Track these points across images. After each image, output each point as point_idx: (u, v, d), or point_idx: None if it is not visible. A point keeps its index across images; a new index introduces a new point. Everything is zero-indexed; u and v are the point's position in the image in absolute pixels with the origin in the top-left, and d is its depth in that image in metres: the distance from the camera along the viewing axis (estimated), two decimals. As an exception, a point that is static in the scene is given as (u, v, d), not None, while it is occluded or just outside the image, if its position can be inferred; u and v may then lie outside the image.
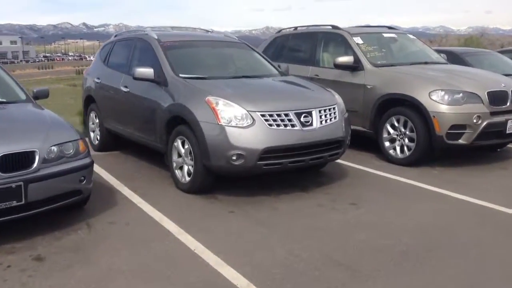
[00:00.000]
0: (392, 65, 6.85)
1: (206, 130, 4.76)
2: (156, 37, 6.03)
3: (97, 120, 7.16)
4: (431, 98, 5.96)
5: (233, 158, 4.65)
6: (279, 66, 6.41)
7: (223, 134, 4.67)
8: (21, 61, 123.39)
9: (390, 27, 8.14)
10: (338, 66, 6.96)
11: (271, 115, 4.75)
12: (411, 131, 6.12)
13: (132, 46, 6.45)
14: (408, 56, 7.42)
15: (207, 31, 7.14)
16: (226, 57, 6.30)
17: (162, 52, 5.76)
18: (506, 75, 7.30)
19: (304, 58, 7.91)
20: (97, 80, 7.02)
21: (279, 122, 4.75)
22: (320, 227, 4.20)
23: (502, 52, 10.31)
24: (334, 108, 5.21)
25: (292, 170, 5.17)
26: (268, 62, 6.43)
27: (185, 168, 5.14)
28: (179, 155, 5.23)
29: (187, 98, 5.08)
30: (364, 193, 5.16)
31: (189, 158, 5.05)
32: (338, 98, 5.49)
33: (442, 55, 7.83)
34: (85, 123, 7.70)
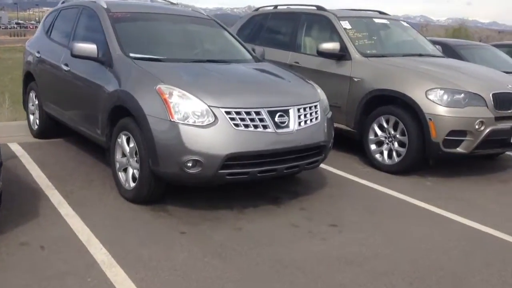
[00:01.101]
0: (383, 56, 5.94)
1: (155, 127, 3.77)
2: (105, 6, 4.95)
3: (37, 102, 6.07)
4: (427, 98, 5.08)
5: (188, 164, 3.69)
6: (253, 50, 5.41)
7: (176, 134, 3.69)
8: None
9: (381, 12, 7.19)
10: (321, 54, 6.01)
11: (238, 113, 3.78)
12: (402, 134, 5.25)
13: (77, 16, 5.36)
14: (401, 46, 6.52)
15: (171, 3, 6.05)
16: (189, 36, 5.27)
17: (109, 25, 4.69)
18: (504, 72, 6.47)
19: (283, 41, 6.93)
20: (37, 55, 5.91)
21: (248, 122, 3.79)
22: (293, 262, 3.28)
23: (497, 46, 9.51)
24: (316, 107, 4.27)
25: (261, 180, 4.23)
26: (241, 44, 5.42)
27: (130, 171, 4.15)
28: (124, 155, 4.23)
29: (134, 85, 4.07)
30: (347, 210, 4.28)
31: (135, 159, 4.06)
32: (321, 93, 4.55)
33: (437, 46, 6.97)
34: (24, 103, 6.57)
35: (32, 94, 6.21)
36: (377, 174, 5.39)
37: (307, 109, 4.16)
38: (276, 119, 3.90)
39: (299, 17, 6.82)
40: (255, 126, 3.81)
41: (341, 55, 5.93)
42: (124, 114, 4.15)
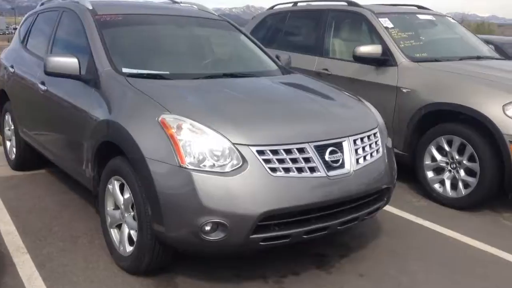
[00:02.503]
0: (436, 60, 4.81)
1: (158, 176, 2.66)
2: (90, 7, 3.85)
3: (13, 126, 4.97)
4: (506, 114, 3.95)
5: (205, 229, 2.58)
6: (277, 57, 4.30)
7: (188, 185, 2.58)
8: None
9: (419, 6, 6.07)
10: (358, 59, 4.90)
11: (275, 152, 2.67)
12: (471, 160, 4.13)
13: (57, 20, 4.25)
14: (454, 47, 5.38)
15: (172, 1, 4.92)
16: (198, 43, 4.14)
17: (95, 31, 3.59)
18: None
19: (307, 45, 5.82)
20: (11, 69, 4.81)
21: (289, 165, 2.68)
22: None
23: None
24: (375, 135, 3.16)
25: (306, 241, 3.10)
26: (262, 51, 4.30)
27: (125, 230, 3.05)
28: (116, 206, 3.13)
29: (128, 113, 2.97)
30: (420, 273, 3.16)
31: (131, 214, 2.97)
32: (377, 114, 3.45)
33: (490, 46, 5.84)
34: (0, 127, 5.47)
35: (7, 117, 5.11)
36: (437, 210, 4.28)
37: (365, 140, 3.05)
38: (327, 157, 2.79)
39: (325, 15, 5.70)
40: (299, 170, 2.69)
41: (384, 60, 4.82)
42: (115, 151, 3.05)
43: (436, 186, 4.40)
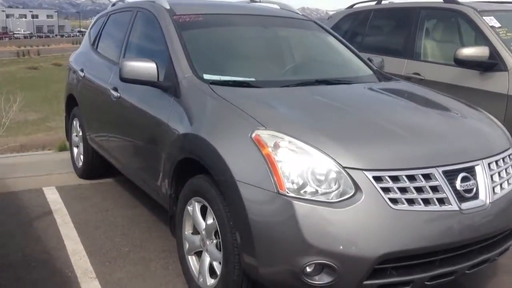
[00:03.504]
0: (555, 65, 4.14)
1: (251, 202, 2.23)
2: (168, 7, 3.50)
3: (81, 132, 4.74)
4: None
5: (308, 270, 2.12)
6: (370, 60, 3.79)
7: (289, 217, 2.13)
8: (56, 35, 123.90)
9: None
10: (461, 62, 4.30)
11: (395, 178, 2.17)
12: None
13: (131, 22, 3.93)
14: None
15: (252, 0, 4.50)
16: (285, 45, 3.69)
17: (175, 33, 3.22)
18: None
19: (393, 47, 5.25)
20: (80, 73, 4.57)
21: (413, 195, 2.17)
22: None
23: None
24: (510, 157, 2.59)
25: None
26: (354, 53, 3.80)
27: (206, 260, 2.64)
28: (196, 231, 2.74)
29: (214, 127, 2.56)
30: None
31: (214, 243, 2.56)
32: (506, 131, 2.86)
33: None
34: (67, 132, 5.28)
35: (75, 122, 4.89)
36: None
37: (501, 163, 2.49)
38: (458, 185, 2.26)
39: (417, 13, 5.11)
40: (425, 202, 2.18)
41: (492, 64, 4.19)
42: (197, 169, 2.66)
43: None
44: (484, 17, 4.49)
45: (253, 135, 2.30)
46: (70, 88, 4.88)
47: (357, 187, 2.13)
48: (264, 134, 2.29)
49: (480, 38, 4.40)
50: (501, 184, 2.42)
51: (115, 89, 3.68)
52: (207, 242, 2.62)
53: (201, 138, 2.55)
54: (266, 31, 3.66)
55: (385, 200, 2.12)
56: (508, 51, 4.18)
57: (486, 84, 4.23)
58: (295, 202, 2.12)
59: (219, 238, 2.51)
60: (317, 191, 2.16)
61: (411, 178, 2.19)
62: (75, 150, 4.98)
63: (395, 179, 2.17)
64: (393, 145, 2.32)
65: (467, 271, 2.37)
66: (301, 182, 2.17)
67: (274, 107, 2.60)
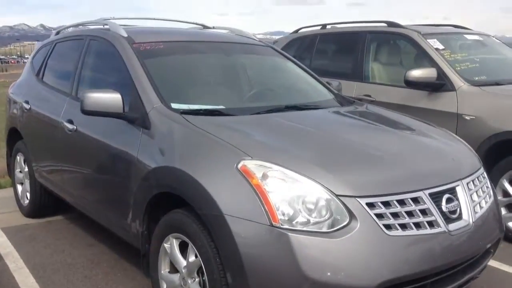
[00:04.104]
0: (498, 84, 4.39)
1: (243, 238, 2.14)
2: (125, 35, 3.37)
3: (27, 169, 4.42)
4: None
5: (307, 304, 2.06)
6: (328, 83, 3.85)
7: (285, 250, 2.06)
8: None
9: (456, 26, 5.69)
10: (411, 84, 4.46)
11: (386, 204, 2.17)
12: (554, 194, 3.69)
13: (83, 50, 3.74)
14: (509, 69, 4.98)
15: (203, 26, 4.43)
16: (247, 71, 3.65)
17: (137, 62, 3.09)
18: None
19: (342, 70, 5.37)
20: (25, 105, 4.28)
21: (405, 219, 2.18)
22: None
23: None
24: (484, 176, 2.69)
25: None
26: (314, 78, 3.84)
27: (188, 300, 2.51)
28: (174, 269, 2.60)
29: (195, 160, 2.45)
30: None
31: (195, 280, 2.43)
32: (473, 150, 2.98)
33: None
34: (8, 168, 4.91)
35: (19, 158, 4.56)
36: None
37: (476, 182, 2.57)
38: (444, 206, 2.30)
39: (363, 37, 5.28)
40: (417, 226, 2.19)
41: (440, 85, 4.39)
42: (173, 204, 2.54)
43: (511, 224, 3.93)
44: (428, 40, 4.71)
45: (240, 165, 2.23)
46: (13, 121, 4.56)
47: (351, 215, 2.11)
48: (251, 165, 2.22)
49: (426, 60, 4.59)
50: (479, 203, 2.50)
51: (70, 122, 3.47)
52: (189, 281, 2.48)
53: (180, 170, 2.43)
54: (228, 58, 3.61)
55: (380, 227, 2.11)
56: (455, 72, 4.39)
57: (435, 103, 4.41)
58: (291, 235, 2.06)
59: (202, 276, 2.39)
60: (309, 220, 2.11)
61: (401, 202, 2.20)
62: (19, 187, 4.64)
63: (386, 204, 2.17)
64: (380, 170, 2.33)
65: (454, 291, 2.40)
66: (292, 213, 2.12)
67: (253, 135, 2.54)
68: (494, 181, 3.96)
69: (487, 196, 2.60)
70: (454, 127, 4.23)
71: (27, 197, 4.49)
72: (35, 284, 3.21)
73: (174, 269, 2.61)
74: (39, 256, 3.65)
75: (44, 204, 4.37)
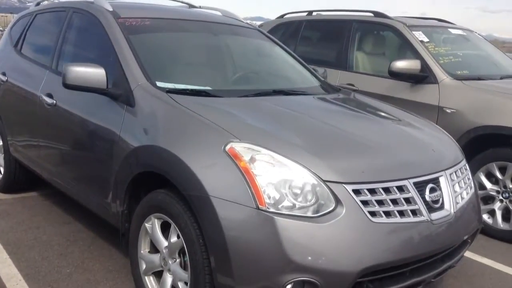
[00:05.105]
0: (479, 79, 4.45)
1: (228, 220, 2.12)
2: (110, 9, 3.28)
3: (1, 142, 4.31)
4: None
5: None
6: (314, 70, 3.84)
7: (270, 234, 2.05)
8: None
9: (440, 20, 5.74)
10: (394, 74, 4.49)
11: (372, 191, 2.18)
12: (528, 189, 3.78)
13: (65, 23, 3.63)
14: (491, 65, 5.05)
15: (189, 5, 4.34)
16: (234, 53, 3.60)
17: (122, 37, 3.02)
18: None
19: (327, 58, 5.38)
20: (2, 77, 4.14)
21: (390, 207, 2.19)
22: None
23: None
24: (466, 168, 2.74)
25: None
26: (301, 64, 3.82)
27: (168, 279, 2.48)
28: (154, 248, 2.57)
29: (181, 140, 2.41)
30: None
31: (176, 261, 2.41)
32: (456, 142, 3.01)
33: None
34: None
35: (-6, 131, 4.42)
36: (488, 243, 3.89)
37: (459, 174, 2.61)
38: (427, 196, 2.32)
39: (348, 26, 5.28)
40: (401, 213, 2.21)
41: (423, 77, 4.43)
42: (157, 183, 2.50)
43: (485, 217, 4.02)
44: (413, 32, 4.74)
45: (227, 147, 2.20)
46: (-13, 94, 4.41)
47: (337, 201, 2.11)
48: (239, 147, 2.20)
49: (411, 51, 4.62)
50: (461, 194, 2.53)
51: (49, 96, 3.37)
52: (169, 262, 2.46)
53: (165, 150, 2.39)
54: (215, 38, 3.56)
55: (365, 214, 2.12)
56: (438, 65, 4.43)
57: (417, 95, 4.45)
58: (277, 218, 2.05)
59: (184, 257, 2.37)
60: (294, 205, 2.11)
61: (387, 190, 2.21)
62: (-7, 161, 4.51)
63: (372, 192, 2.18)
64: (367, 158, 2.34)
65: (432, 280, 2.45)
66: (278, 196, 2.11)
67: (242, 118, 2.51)
68: (471, 174, 4.04)
69: (468, 187, 2.64)
70: (435, 120, 4.28)
71: (0, 172, 4.37)
72: (8, 260, 3.13)
73: (154, 249, 2.58)
74: (13, 232, 3.56)
75: (18, 179, 4.26)
